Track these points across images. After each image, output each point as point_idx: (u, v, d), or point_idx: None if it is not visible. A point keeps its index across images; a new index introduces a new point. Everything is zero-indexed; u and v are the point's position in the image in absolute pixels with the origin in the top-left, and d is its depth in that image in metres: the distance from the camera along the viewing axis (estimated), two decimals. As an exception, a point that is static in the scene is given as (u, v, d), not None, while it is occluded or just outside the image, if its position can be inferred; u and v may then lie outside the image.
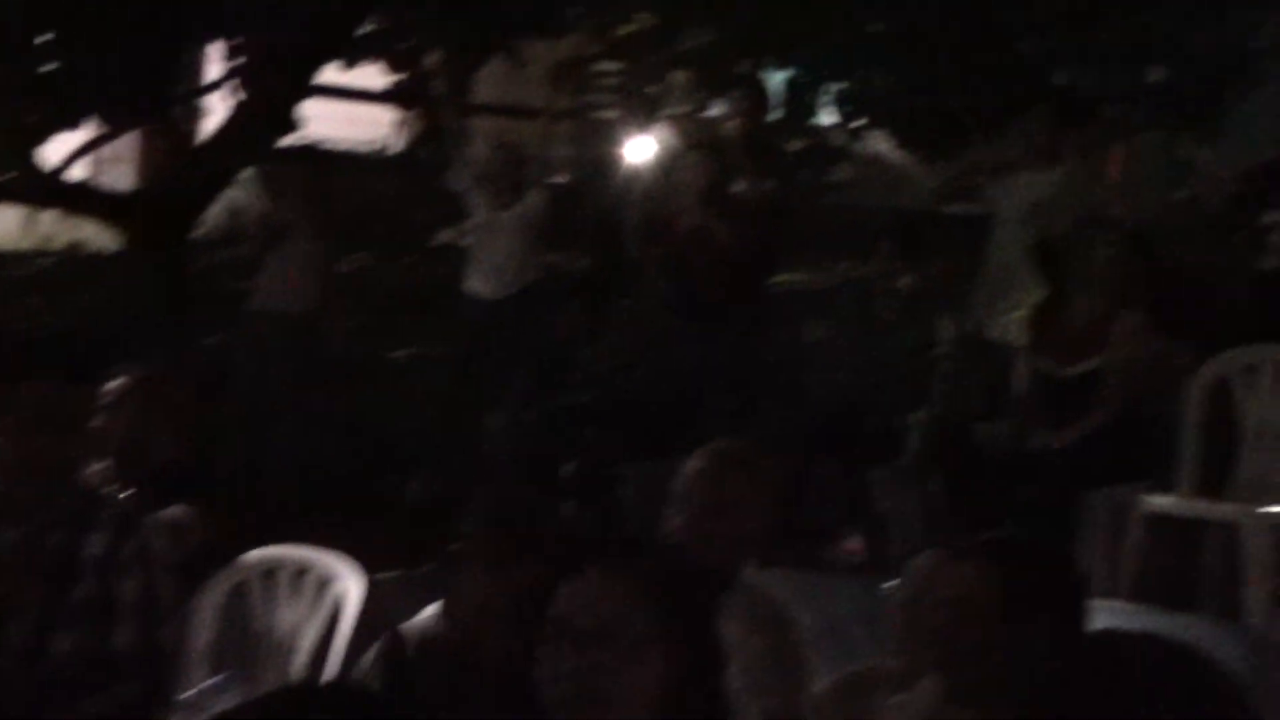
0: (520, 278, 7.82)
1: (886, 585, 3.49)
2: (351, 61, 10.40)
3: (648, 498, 4.67)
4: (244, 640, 4.22)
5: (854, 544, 6.27)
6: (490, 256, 7.84)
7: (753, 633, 3.44)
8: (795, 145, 14.42)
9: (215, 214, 10.18)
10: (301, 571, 4.23)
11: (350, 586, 4.16)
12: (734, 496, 3.42)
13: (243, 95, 9.22)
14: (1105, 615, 4.83)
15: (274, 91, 9.26)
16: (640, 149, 7.45)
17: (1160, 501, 5.69)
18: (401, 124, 15.04)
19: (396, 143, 15.30)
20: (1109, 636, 2.69)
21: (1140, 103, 9.89)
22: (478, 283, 7.91)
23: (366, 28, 10.37)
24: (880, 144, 12.79)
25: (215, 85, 9.77)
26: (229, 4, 8.71)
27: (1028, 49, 10.37)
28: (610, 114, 10.92)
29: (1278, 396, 5.74)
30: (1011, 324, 6.47)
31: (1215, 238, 6.32)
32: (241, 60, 9.23)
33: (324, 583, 4.19)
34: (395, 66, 10.55)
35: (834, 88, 11.05)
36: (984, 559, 2.77)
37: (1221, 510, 5.60)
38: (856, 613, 4.20)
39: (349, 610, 4.10)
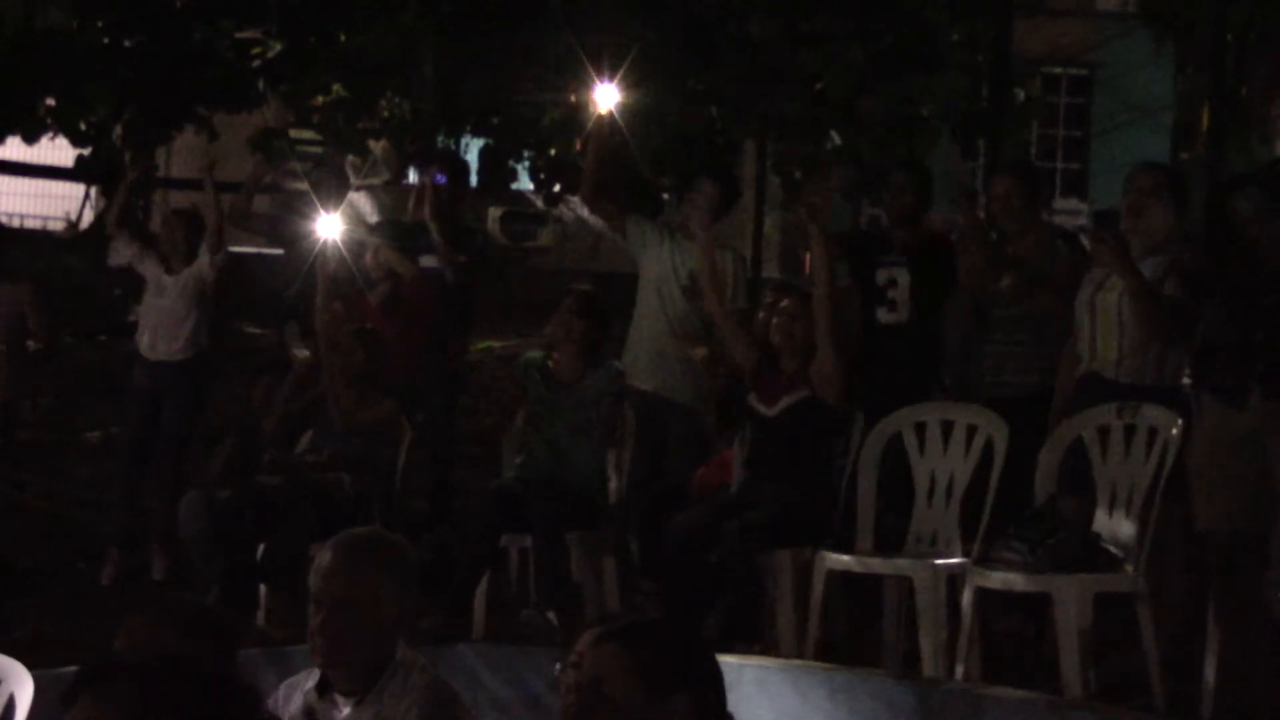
0: (193, 342, 7.63)
1: (557, 664, 3.51)
2: (31, 137, 10.12)
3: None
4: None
5: (553, 615, 6.28)
6: (159, 320, 7.64)
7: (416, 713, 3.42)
8: (496, 211, 14.57)
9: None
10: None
11: (17, 689, 4.03)
12: (370, 584, 3.41)
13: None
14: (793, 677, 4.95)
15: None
16: (333, 222, 7.34)
17: (841, 559, 5.85)
18: (88, 199, 14.66)
19: (87, 218, 14.91)
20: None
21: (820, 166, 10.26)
22: (147, 347, 7.71)
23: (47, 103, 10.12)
24: (581, 209, 12.98)
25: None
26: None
27: (720, 119, 10.65)
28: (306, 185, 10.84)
29: (945, 453, 5.96)
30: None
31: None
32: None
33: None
34: (76, 142, 10.28)
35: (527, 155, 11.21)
36: (622, 640, 2.80)
37: (897, 565, 5.78)
38: (554, 684, 4.22)
39: (19, 714, 3.96)
